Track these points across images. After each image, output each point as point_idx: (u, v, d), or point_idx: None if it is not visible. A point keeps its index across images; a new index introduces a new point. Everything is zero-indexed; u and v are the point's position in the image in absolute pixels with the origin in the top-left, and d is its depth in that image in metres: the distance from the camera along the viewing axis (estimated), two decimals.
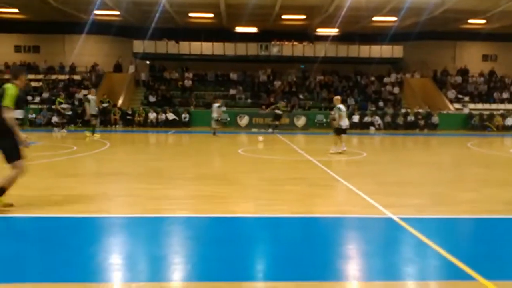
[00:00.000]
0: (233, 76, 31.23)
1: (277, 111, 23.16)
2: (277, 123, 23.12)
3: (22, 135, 5.78)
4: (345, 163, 11.68)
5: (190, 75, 30.89)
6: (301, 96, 29.67)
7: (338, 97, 13.79)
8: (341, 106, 13.28)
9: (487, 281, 3.72)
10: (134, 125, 25.35)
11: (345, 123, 13.18)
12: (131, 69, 30.73)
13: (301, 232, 5.39)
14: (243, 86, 30.28)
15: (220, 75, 31.50)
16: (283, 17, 27.32)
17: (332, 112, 13.72)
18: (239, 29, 30.83)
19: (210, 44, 30.45)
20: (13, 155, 5.76)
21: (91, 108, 17.46)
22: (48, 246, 4.63)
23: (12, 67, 16.39)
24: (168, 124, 25.27)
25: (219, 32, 30.66)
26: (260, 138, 18.06)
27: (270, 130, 22.83)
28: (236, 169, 10.29)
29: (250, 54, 30.65)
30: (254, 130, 24.21)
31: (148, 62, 32.12)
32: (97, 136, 17.36)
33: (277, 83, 30.45)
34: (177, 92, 29.59)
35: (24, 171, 5.91)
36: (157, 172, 9.45)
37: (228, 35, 30.63)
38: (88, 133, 17.42)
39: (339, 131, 13.07)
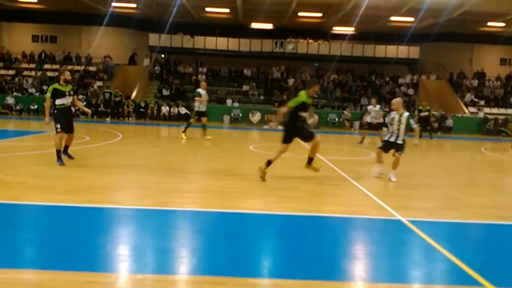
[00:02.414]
0: (247, 72, 31.22)
1: None
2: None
3: None
4: (355, 163, 11.61)
5: (204, 70, 30.96)
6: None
7: (399, 100, 8.98)
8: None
9: (494, 287, 3.67)
10: (147, 118, 25.50)
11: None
12: (146, 62, 30.90)
13: (309, 230, 5.37)
14: (256, 83, 30.25)
15: (234, 70, 31.51)
16: (299, 14, 27.19)
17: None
18: (254, 25, 30.79)
19: (225, 39, 30.46)
20: None
21: None
22: (56, 234, 4.68)
23: None
24: (180, 118, 25.37)
25: (234, 27, 30.65)
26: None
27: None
28: (246, 165, 10.29)
29: (265, 51, 30.60)
30: (266, 127, 24.18)
31: (163, 55, 32.27)
32: None
33: (291, 81, 30.35)
34: (190, 87, 29.69)
35: None
36: (168, 165, 9.50)
37: (243, 31, 30.61)
38: None
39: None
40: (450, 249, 4.60)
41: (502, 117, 26.69)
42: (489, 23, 26.72)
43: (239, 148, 13.62)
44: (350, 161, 11.84)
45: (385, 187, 8.03)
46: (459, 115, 26.97)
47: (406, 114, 8.55)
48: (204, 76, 30.14)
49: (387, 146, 8.77)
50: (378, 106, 16.98)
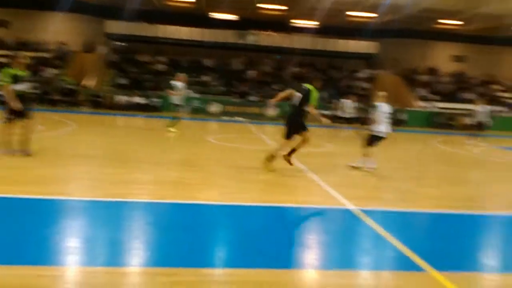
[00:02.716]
0: (207, 62, 30.95)
1: None
2: None
3: None
4: (313, 155, 11.81)
5: (164, 59, 30.43)
6: (274, 87, 29.71)
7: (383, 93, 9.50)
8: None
9: (436, 271, 3.88)
10: (102, 107, 24.82)
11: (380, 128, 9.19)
12: (102, 49, 29.99)
13: (263, 220, 5.45)
14: (217, 74, 30.06)
15: (194, 61, 31.16)
16: (263, 6, 27.17)
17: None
18: (217, 16, 30.51)
19: (187, 28, 30.04)
20: None
21: None
22: (3, 227, 4.52)
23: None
24: (138, 107, 24.85)
25: (196, 17, 30.26)
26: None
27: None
28: (205, 156, 10.27)
29: (227, 42, 30.42)
30: (225, 118, 24.12)
31: (120, 43, 31.41)
32: None
33: (252, 73, 30.38)
34: (149, 76, 29.10)
35: None
36: (123, 156, 9.32)
37: (206, 21, 30.28)
38: None
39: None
40: (398, 237, 4.80)
41: (452, 111, 27.86)
42: (444, 21, 27.73)
43: (198, 139, 13.54)
44: (308, 153, 12.03)
45: (340, 178, 8.24)
46: (413, 109, 27.91)
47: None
48: (163, 66, 29.63)
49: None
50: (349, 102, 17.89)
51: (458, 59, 33.74)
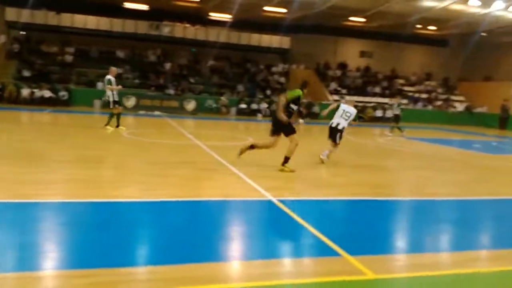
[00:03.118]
0: (120, 54, 29.70)
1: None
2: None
3: None
4: (232, 148, 11.90)
5: (72, 50, 28.65)
6: (192, 80, 29.40)
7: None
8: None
9: (350, 256, 4.12)
10: (4, 101, 22.79)
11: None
12: (3, 39, 27.48)
13: (183, 216, 5.39)
14: (130, 66, 28.98)
15: (105, 52, 29.72)
16: None
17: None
18: (128, 5, 29.31)
19: (95, 18, 28.51)
20: None
21: None
22: None
23: None
24: (44, 101, 23.18)
25: (106, 6, 28.83)
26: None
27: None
28: (119, 152, 9.89)
29: (139, 33, 29.42)
30: (141, 112, 23.37)
31: (23, 32, 28.97)
32: None
33: (168, 65, 29.74)
34: (55, 68, 27.22)
35: None
36: (30, 154, 8.66)
37: (116, 10, 28.95)
38: None
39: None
40: (314, 224, 5.02)
41: (361, 104, 29.64)
42: (351, 18, 29.31)
43: (112, 135, 12.98)
44: (227, 146, 12.11)
45: (259, 170, 8.39)
46: (324, 102, 29.22)
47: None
48: (71, 57, 27.91)
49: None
50: None
51: (366, 54, 35.92)
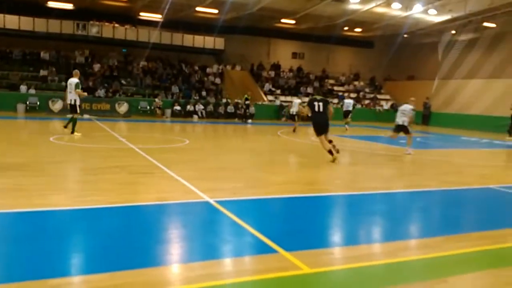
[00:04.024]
0: (45, 55, 28.09)
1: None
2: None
3: None
4: (167, 150, 11.71)
5: None
6: (123, 82, 28.50)
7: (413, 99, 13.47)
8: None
9: (286, 252, 4.21)
10: None
11: None
12: None
13: (118, 222, 5.22)
14: (56, 67, 27.51)
15: (29, 53, 27.99)
16: None
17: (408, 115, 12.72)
18: (52, 4, 27.80)
19: (16, 17, 26.74)
20: None
21: None
22: None
23: None
24: None
25: (28, 5, 27.15)
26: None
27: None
28: (47, 158, 9.36)
29: (65, 33, 28.01)
30: (69, 116, 22.22)
31: None
32: None
33: (97, 66, 28.58)
34: None
35: None
36: None
37: (38, 10, 27.33)
38: None
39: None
40: (251, 223, 5.08)
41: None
42: (283, 20, 29.91)
43: (37, 140, 12.25)
44: (162, 149, 11.89)
45: (195, 172, 8.33)
46: (260, 103, 29.59)
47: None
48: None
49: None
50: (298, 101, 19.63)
51: (298, 56, 36.85)
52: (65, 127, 13.52)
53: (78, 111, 13.44)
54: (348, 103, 21.97)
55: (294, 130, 18.63)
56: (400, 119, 12.76)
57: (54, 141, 11.97)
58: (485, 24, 28.27)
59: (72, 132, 13.20)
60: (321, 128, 10.17)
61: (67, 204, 5.69)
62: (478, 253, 4.59)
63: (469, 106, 28.67)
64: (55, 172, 7.70)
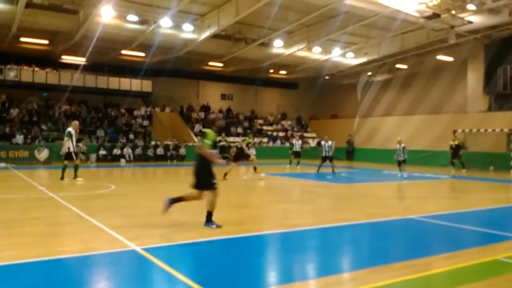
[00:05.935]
0: None
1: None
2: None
3: None
4: (91, 197, 11.14)
5: None
6: (44, 127, 27.07)
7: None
8: None
9: None
10: None
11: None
12: None
13: (35, 278, 4.80)
14: None
15: None
16: (22, 39, 24.62)
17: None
18: None
19: None
20: None
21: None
22: None
23: None
24: None
25: None
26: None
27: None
28: None
29: None
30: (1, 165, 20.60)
31: None
32: None
33: (15, 111, 26.98)
34: None
35: None
36: None
37: None
38: None
39: None
40: (179, 269, 4.92)
41: (226, 144, 30.51)
42: (210, 63, 30.45)
43: None
44: (86, 196, 11.30)
45: (121, 219, 7.97)
46: (190, 144, 29.41)
47: None
48: None
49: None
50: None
51: (226, 97, 37.45)
52: (62, 178, 14.12)
53: (75, 157, 14.34)
54: (297, 144, 23.39)
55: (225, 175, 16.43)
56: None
57: None
58: (398, 65, 30.81)
59: (75, 178, 14.27)
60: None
61: None
62: (404, 283, 4.76)
63: (389, 141, 30.50)
64: None
